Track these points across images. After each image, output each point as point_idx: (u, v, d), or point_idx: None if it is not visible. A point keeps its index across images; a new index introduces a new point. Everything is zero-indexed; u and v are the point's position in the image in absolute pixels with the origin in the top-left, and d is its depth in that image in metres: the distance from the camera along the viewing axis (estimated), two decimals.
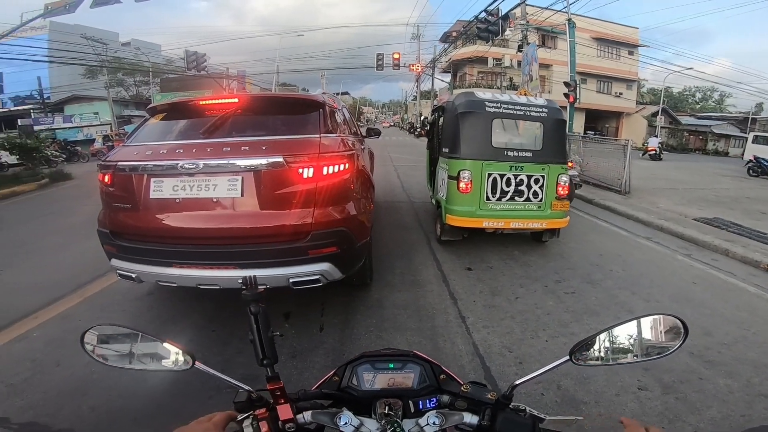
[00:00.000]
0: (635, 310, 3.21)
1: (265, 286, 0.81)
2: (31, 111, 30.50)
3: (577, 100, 12.66)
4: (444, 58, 31.62)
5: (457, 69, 33.36)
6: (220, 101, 2.86)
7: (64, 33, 24.68)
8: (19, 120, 28.77)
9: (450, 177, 4.18)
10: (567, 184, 4.23)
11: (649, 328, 0.78)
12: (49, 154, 15.39)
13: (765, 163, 14.00)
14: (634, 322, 0.78)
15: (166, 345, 0.81)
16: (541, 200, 4.18)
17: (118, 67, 29.55)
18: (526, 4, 14.86)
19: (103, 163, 2.71)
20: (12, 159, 14.94)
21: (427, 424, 0.71)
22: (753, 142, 18.43)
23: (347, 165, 2.60)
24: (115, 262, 2.68)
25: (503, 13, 14.18)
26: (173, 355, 0.82)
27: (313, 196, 2.44)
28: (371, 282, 3.39)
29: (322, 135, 2.61)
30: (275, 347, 0.75)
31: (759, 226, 5.89)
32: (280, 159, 2.38)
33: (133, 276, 2.61)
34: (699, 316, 3.16)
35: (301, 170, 2.41)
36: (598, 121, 31.35)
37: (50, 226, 6.45)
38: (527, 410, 0.73)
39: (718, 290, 3.73)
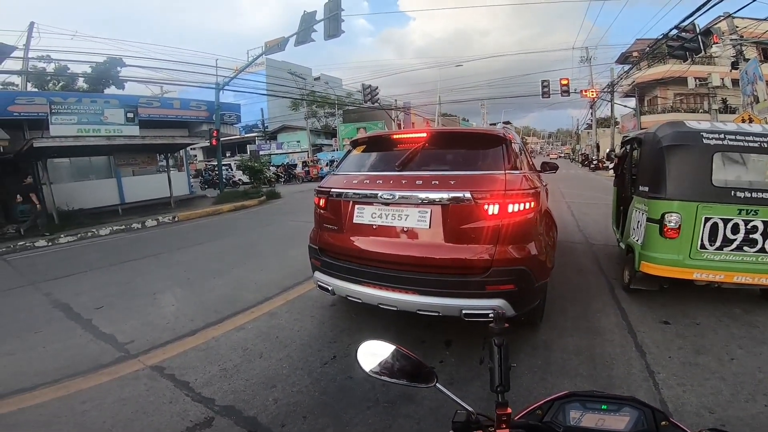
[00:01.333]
0: None
1: (508, 323, 0.90)
2: (256, 138, 39.31)
3: None
4: (625, 81, 27.87)
5: (644, 92, 29.08)
6: (411, 135, 3.10)
7: (275, 68, 30.79)
8: (248, 145, 37.55)
9: (650, 219, 3.68)
10: None
11: None
12: (268, 176, 19.74)
13: None
14: None
15: (413, 360, 0.94)
16: None
17: (313, 99, 34.99)
18: (733, 17, 12.09)
19: (319, 189, 3.20)
20: (245, 178, 19.85)
21: None
22: None
23: (532, 203, 2.60)
24: (317, 274, 3.16)
25: (702, 28, 11.85)
26: (421, 372, 0.96)
27: (496, 233, 2.48)
28: (540, 322, 3.25)
29: (507, 171, 2.65)
30: (510, 377, 0.82)
31: None
32: (468, 194, 2.49)
33: (329, 288, 3.00)
34: None
35: (486, 206, 2.49)
36: None
37: (267, 235, 8.25)
38: None
39: None
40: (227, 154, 35.00)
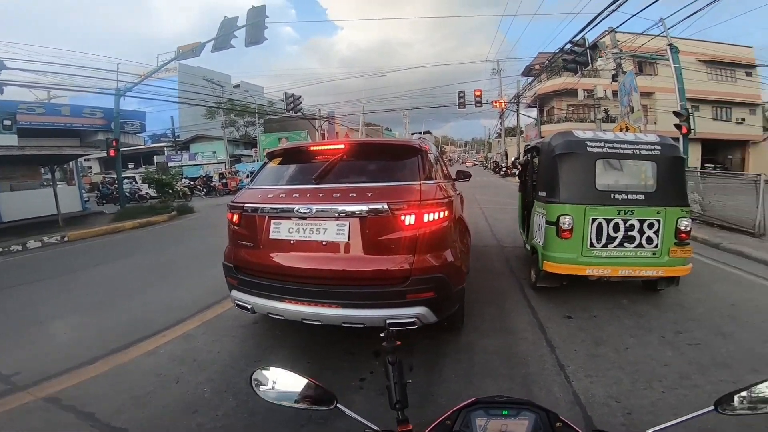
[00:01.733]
0: None
1: (400, 341, 0.90)
2: (165, 148, 36.05)
3: (692, 131, 11.30)
4: (528, 92, 30.82)
5: (544, 103, 32.18)
6: (328, 147, 3.05)
7: (189, 75, 28.75)
8: (155, 156, 34.32)
9: (548, 222, 4.00)
10: (688, 229, 3.77)
11: None
12: (180, 189, 18.09)
13: None
14: None
15: (310, 383, 0.91)
16: (656, 246, 3.78)
17: (232, 108, 33.17)
18: (616, 32, 14.02)
19: (232, 204, 3.05)
20: (151, 192, 17.93)
21: None
22: None
23: (446, 212, 2.68)
24: (234, 293, 2.99)
25: (591, 42, 13.56)
26: (317, 394, 0.92)
27: (413, 243, 2.53)
28: (462, 326, 3.35)
29: (422, 182, 2.71)
30: (407, 393, 0.81)
31: None
32: (385, 206, 2.51)
33: (249, 307, 2.87)
34: None
35: (403, 217, 2.53)
36: (718, 152, 27.40)
37: (179, 253, 7.55)
38: None
39: None
40: (129, 166, 31.83)
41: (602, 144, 3.97)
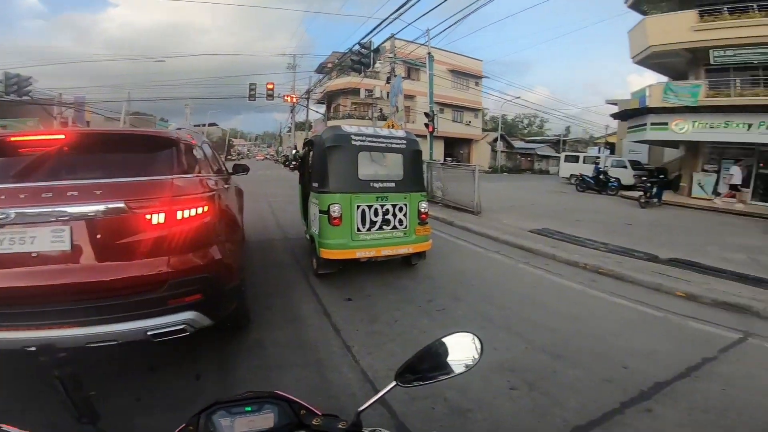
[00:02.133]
0: (492, 317, 3.64)
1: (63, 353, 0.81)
2: None
3: (436, 129, 14.21)
4: (319, 89, 32.29)
5: (332, 100, 34.19)
6: (39, 137, 2.50)
7: None
8: None
9: (321, 211, 4.24)
10: (427, 210, 4.66)
11: (454, 345, 0.92)
12: None
13: (588, 179, 17.26)
14: (441, 341, 0.91)
15: None
16: (406, 227, 4.52)
17: None
18: (395, 38, 16.23)
19: None
20: None
21: None
22: (565, 161, 23.06)
23: (207, 207, 2.47)
24: None
25: (375, 46, 15.24)
26: None
27: (166, 243, 2.26)
28: (249, 324, 3.23)
29: (175, 176, 2.45)
30: (94, 406, 0.74)
31: (576, 232, 7.40)
32: (120, 205, 2.17)
33: None
34: (542, 315, 3.74)
35: (149, 216, 2.23)
36: (455, 147, 35.42)
37: None
38: None
39: (552, 291, 4.50)
40: None
41: (364, 138, 4.45)
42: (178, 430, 0.85)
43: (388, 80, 17.02)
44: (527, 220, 8.73)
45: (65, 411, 0.72)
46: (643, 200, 12.27)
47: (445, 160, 24.52)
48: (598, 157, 20.43)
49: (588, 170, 18.23)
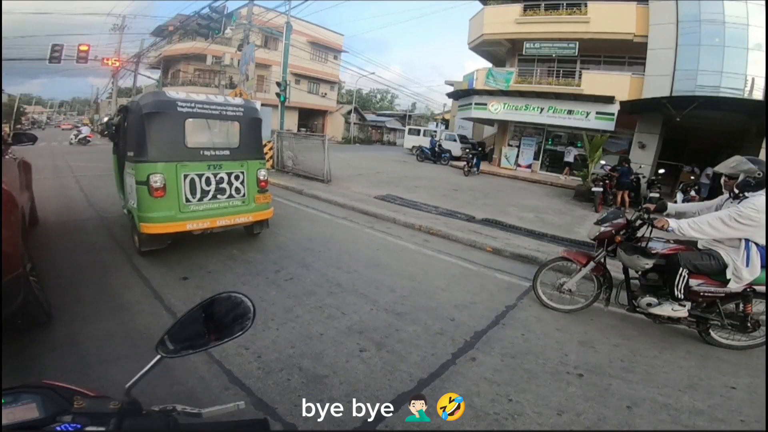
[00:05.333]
0: (341, 282, 3.81)
1: None
2: None
3: (287, 100, 13.79)
4: (154, 53, 27.80)
5: (170, 65, 30.13)
6: None
7: None
8: None
9: (139, 182, 3.76)
10: (266, 178, 4.60)
11: (222, 308, 0.88)
12: None
13: (426, 150, 19.31)
14: (205, 305, 0.88)
15: None
16: (244, 195, 4.38)
17: None
18: (254, 5, 14.76)
19: None
20: None
21: None
22: (409, 134, 25.41)
23: None
24: None
25: (229, 11, 13.63)
26: None
27: None
28: (49, 319, 2.74)
29: None
30: None
31: (413, 197, 8.31)
32: None
33: None
34: (385, 276, 4.08)
35: None
36: (309, 119, 35.25)
37: None
38: (179, 409, 0.77)
39: (393, 252, 4.96)
40: None
41: (193, 105, 4.06)
42: None
43: (239, 48, 15.69)
44: (373, 187, 9.37)
45: None
46: (466, 169, 14.37)
47: (299, 131, 24.28)
48: (435, 131, 23.06)
49: (426, 143, 20.41)
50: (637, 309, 3.20)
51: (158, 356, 0.84)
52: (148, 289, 3.45)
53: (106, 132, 25.49)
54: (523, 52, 16.13)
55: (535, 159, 17.22)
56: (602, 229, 3.31)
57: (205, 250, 4.41)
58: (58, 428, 0.75)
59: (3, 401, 0.77)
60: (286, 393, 2.22)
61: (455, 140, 21.39)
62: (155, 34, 29.86)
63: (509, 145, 18.14)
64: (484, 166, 16.29)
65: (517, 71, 16.58)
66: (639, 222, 3.19)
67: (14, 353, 2.41)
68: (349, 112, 38.39)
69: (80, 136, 20.00)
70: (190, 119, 4.05)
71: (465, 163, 14.66)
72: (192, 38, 24.11)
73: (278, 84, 13.85)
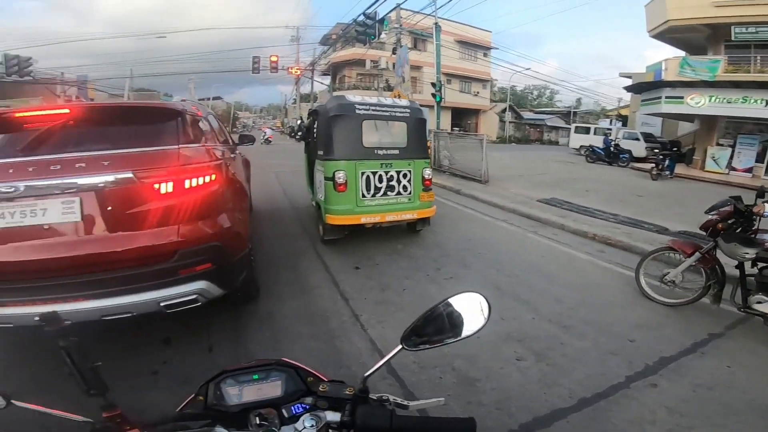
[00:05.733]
0: (501, 286, 3.65)
1: (68, 320, 0.77)
2: None
3: (443, 100, 13.93)
4: (323, 60, 31.87)
5: (337, 71, 33.71)
6: (43, 113, 2.50)
7: None
8: None
9: (326, 178, 4.27)
10: (431, 177, 4.67)
11: (461, 306, 0.86)
12: None
13: (598, 150, 16.93)
14: (448, 302, 0.86)
15: None
16: (410, 193, 4.55)
17: None
18: (401, 8, 15.72)
19: None
20: None
21: (304, 427, 0.73)
22: (575, 132, 22.66)
23: (214, 176, 2.49)
24: None
25: (380, 17, 14.80)
26: None
27: (176, 212, 2.28)
28: (258, 295, 3.25)
29: (182, 146, 2.45)
30: (101, 377, 0.73)
31: (584, 202, 7.33)
32: (129, 175, 2.18)
33: None
34: (549, 285, 3.72)
35: (157, 185, 2.24)
36: (462, 118, 34.89)
37: None
38: (390, 399, 0.78)
39: (560, 260, 4.48)
40: None
41: (368, 107, 4.43)
42: (187, 399, 0.86)
43: (393, 51, 16.63)
44: (535, 189, 8.65)
45: (74, 383, 0.71)
46: (655, 172, 12.03)
47: (452, 130, 24.24)
48: (609, 129, 19.94)
49: (598, 142, 17.86)
50: (749, 308, 2.87)
51: (399, 348, 0.85)
52: (327, 275, 3.85)
53: (292, 134, 30.64)
54: (732, 38, 12.78)
55: (758, 162, 13.22)
56: (709, 217, 3.13)
57: (372, 242, 4.72)
58: (294, 408, 0.79)
59: (256, 377, 0.85)
60: (437, 390, 2.20)
61: (637, 139, 18.09)
62: (322, 42, 33.63)
63: (719, 144, 14.41)
64: (679, 168, 13.31)
65: (725, 59, 13.15)
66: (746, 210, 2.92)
67: (230, 321, 2.92)
68: (504, 111, 36.66)
69: (265, 137, 23.71)
70: (366, 120, 4.39)
71: (653, 165, 12.29)
72: (352, 45, 25.98)
73: (433, 84, 14.12)
